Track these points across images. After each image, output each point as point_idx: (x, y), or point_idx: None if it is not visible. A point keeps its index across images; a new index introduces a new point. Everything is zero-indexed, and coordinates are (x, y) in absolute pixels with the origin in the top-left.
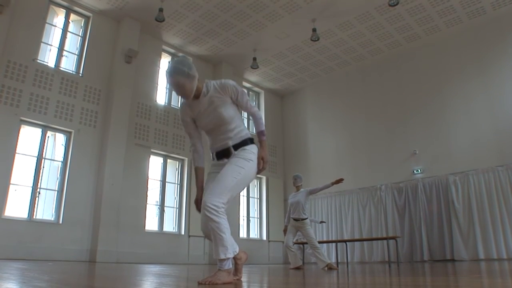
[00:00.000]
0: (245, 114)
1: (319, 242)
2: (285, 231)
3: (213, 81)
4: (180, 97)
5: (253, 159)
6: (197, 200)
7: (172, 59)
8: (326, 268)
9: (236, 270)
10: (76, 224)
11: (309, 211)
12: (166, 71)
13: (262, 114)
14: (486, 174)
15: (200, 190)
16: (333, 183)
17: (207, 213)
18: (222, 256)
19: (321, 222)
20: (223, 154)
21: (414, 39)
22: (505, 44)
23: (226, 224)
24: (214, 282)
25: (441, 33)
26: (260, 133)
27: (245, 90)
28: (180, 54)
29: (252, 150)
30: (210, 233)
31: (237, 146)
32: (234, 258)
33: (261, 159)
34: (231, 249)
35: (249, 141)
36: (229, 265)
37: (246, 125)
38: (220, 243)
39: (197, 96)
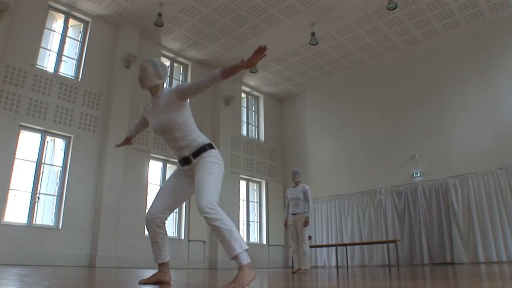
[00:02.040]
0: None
1: (320, 246)
2: (285, 225)
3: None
4: (139, 82)
5: (217, 162)
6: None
7: (171, 64)
8: (300, 271)
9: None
10: (75, 229)
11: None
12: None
13: (262, 117)
14: (485, 177)
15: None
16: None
17: (208, 216)
18: (239, 250)
19: None
20: (185, 161)
21: (413, 42)
22: (503, 47)
23: (229, 219)
24: (240, 287)
25: (440, 37)
26: (222, 72)
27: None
28: (179, 59)
29: (212, 155)
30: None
31: (195, 154)
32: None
33: (251, 61)
34: (243, 242)
35: (207, 146)
36: (247, 258)
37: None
38: (231, 238)
39: (153, 94)
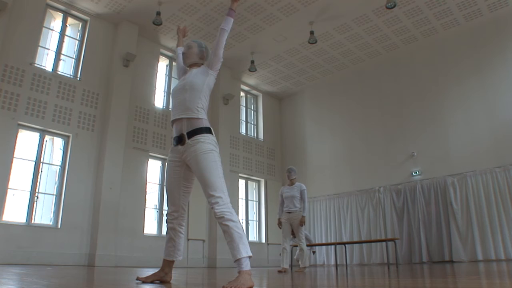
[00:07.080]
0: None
1: (319, 244)
2: (279, 224)
3: None
4: (182, 58)
5: (214, 149)
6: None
7: (169, 62)
8: (301, 270)
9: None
10: (74, 229)
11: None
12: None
13: (260, 116)
14: (484, 175)
15: None
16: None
17: (225, 216)
18: (244, 254)
19: None
20: (179, 140)
21: (412, 41)
22: (502, 46)
23: (240, 223)
24: (239, 287)
25: (438, 35)
26: (231, 13)
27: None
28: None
29: (208, 141)
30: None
31: (191, 134)
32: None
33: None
34: (249, 249)
35: (204, 130)
36: (249, 265)
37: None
38: (240, 241)
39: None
